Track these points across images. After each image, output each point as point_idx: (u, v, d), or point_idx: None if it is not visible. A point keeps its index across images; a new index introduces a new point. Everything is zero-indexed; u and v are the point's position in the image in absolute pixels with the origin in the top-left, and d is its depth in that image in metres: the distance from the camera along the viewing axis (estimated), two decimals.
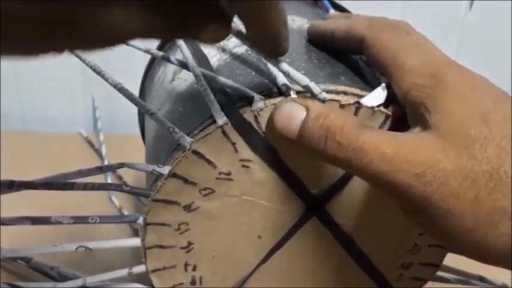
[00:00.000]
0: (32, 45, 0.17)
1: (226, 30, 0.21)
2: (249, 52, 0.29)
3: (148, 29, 0.18)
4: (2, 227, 0.28)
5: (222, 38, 0.22)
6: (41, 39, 0.16)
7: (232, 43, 0.31)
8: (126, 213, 0.47)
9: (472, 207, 0.21)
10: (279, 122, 0.23)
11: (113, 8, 0.17)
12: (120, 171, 0.51)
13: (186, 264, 0.28)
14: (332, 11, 0.38)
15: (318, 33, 0.30)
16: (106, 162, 0.55)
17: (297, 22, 0.34)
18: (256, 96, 0.25)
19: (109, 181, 0.50)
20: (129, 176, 0.52)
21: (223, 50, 0.29)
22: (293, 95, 0.25)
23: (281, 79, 0.25)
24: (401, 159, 0.21)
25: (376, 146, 0.21)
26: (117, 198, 0.48)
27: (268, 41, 0.23)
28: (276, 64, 0.25)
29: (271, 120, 0.23)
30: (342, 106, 0.25)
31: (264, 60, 0.26)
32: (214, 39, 0.22)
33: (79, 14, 0.16)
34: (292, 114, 0.23)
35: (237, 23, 0.22)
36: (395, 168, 0.21)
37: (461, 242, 0.21)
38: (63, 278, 0.35)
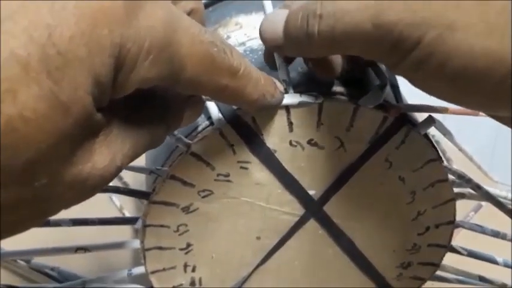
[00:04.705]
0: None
1: (199, 108, 0.22)
2: (247, 52, 0.29)
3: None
4: None
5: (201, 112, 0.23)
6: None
7: (232, 43, 0.31)
8: (126, 212, 0.47)
9: (478, 8, 0.17)
10: (265, 29, 0.23)
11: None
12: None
13: (185, 265, 0.28)
14: None
15: None
16: None
17: None
18: None
19: None
20: (130, 176, 0.52)
21: None
22: (291, 91, 0.25)
23: (280, 76, 0.25)
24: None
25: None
26: (118, 198, 0.48)
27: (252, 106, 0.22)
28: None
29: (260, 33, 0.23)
30: (339, 108, 0.25)
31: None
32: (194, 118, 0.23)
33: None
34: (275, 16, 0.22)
35: None
36: (381, 8, 0.18)
37: (471, 60, 0.17)
38: (64, 278, 0.35)
